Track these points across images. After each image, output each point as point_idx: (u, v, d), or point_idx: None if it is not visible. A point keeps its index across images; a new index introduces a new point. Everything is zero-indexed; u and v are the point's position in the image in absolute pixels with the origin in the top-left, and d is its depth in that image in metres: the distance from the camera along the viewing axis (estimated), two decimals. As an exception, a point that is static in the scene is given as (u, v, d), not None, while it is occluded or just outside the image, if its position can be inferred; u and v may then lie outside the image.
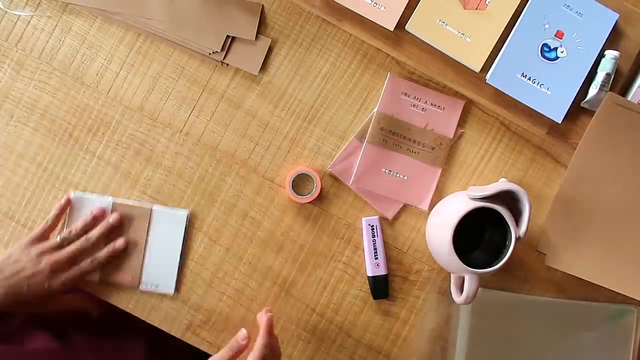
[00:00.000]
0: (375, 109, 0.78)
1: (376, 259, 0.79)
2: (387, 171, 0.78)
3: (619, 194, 0.78)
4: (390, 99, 0.78)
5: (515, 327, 0.80)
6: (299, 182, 0.79)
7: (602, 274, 0.78)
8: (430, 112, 0.78)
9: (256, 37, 0.78)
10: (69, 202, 0.77)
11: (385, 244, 0.80)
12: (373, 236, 0.79)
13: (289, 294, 0.80)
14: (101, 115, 0.78)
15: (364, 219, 0.79)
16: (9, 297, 0.70)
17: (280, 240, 0.79)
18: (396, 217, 0.80)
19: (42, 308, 0.75)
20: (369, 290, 0.80)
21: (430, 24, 0.75)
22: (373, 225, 0.79)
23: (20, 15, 0.77)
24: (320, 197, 0.79)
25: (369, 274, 0.79)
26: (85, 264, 0.75)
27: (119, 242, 0.76)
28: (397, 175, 0.78)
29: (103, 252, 0.76)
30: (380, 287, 0.79)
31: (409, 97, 0.77)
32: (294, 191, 0.77)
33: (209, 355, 0.78)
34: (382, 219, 0.79)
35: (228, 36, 0.77)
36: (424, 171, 0.79)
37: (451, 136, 0.78)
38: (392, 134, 0.77)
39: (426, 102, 0.77)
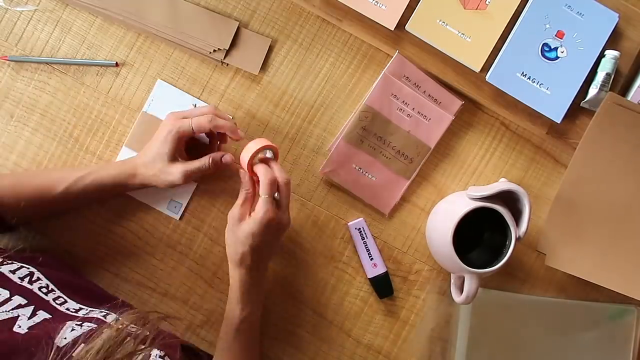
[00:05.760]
0: (364, 101, 0.77)
1: (372, 259, 0.79)
2: (357, 168, 0.78)
3: (619, 194, 0.77)
4: (379, 96, 0.77)
5: (515, 327, 0.80)
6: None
7: (602, 274, 0.78)
8: (416, 120, 0.77)
9: (256, 37, 0.78)
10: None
11: (385, 243, 0.80)
12: (363, 238, 0.79)
13: (289, 294, 0.80)
14: (101, 115, 0.78)
15: (349, 224, 0.79)
16: None
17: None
18: (396, 217, 0.80)
19: None
20: (370, 291, 0.80)
21: (430, 24, 0.75)
22: (360, 228, 0.79)
23: (20, 15, 0.77)
24: (321, 198, 0.79)
25: (369, 276, 0.79)
26: None
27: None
28: (367, 174, 0.78)
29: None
30: (383, 286, 0.79)
31: (397, 99, 0.77)
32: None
33: (209, 355, 0.78)
34: (374, 219, 0.80)
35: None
36: (392, 180, 0.78)
37: (432, 146, 0.78)
38: (372, 136, 0.77)
39: (413, 108, 0.77)
